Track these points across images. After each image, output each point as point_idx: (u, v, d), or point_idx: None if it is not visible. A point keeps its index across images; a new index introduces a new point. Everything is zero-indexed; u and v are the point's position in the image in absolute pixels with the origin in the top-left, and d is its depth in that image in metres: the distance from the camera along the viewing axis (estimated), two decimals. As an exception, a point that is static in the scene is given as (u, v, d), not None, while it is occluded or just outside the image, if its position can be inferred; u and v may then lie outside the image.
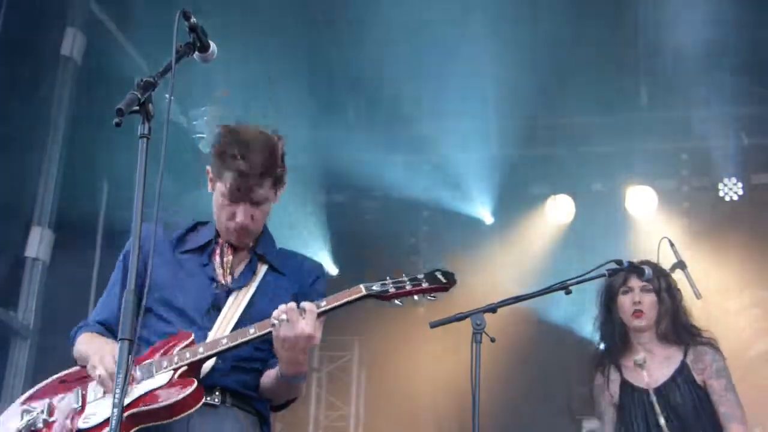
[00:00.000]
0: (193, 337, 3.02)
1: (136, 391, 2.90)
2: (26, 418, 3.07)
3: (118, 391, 2.35)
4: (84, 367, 3.13)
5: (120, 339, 2.40)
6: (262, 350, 3.15)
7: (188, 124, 7.86)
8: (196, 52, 2.85)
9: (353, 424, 9.35)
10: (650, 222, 8.10)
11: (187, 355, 2.96)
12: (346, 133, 8.15)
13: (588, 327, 7.85)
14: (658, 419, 4.32)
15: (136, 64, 6.90)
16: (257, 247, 3.32)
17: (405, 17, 6.89)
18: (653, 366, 4.51)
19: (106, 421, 2.88)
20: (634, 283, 4.60)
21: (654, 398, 4.36)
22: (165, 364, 2.96)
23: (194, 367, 2.97)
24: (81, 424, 2.95)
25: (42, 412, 3.07)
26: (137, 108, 2.52)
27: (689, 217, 8.11)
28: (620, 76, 7.63)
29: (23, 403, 3.17)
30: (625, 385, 4.59)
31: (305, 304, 2.93)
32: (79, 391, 3.07)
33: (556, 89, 7.53)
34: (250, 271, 3.27)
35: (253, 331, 2.96)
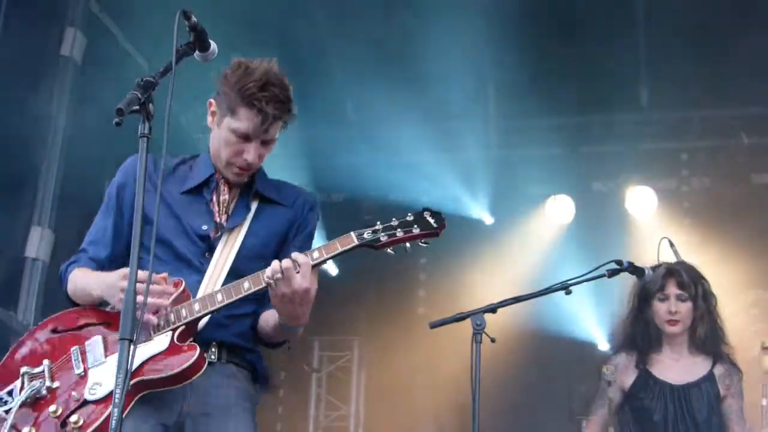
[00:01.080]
0: (184, 285, 2.98)
1: (137, 356, 2.84)
2: (28, 384, 2.98)
3: (118, 391, 2.34)
4: (73, 311, 3.13)
5: (120, 339, 2.39)
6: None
7: (188, 124, 7.87)
8: (197, 52, 2.85)
9: (353, 424, 9.34)
10: (650, 222, 8.10)
11: (184, 313, 2.93)
12: (345, 132, 8.15)
13: (588, 327, 7.91)
14: (689, 414, 4.36)
15: (137, 63, 6.90)
16: (256, 183, 3.29)
17: (405, 16, 6.90)
18: (677, 367, 4.54)
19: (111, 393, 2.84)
20: (671, 290, 4.61)
21: (677, 394, 4.40)
22: (162, 323, 2.93)
23: (191, 325, 2.97)
24: (88, 395, 2.91)
25: (44, 375, 2.98)
26: (137, 108, 2.52)
27: (689, 217, 8.10)
28: (620, 76, 7.63)
29: (21, 361, 3.07)
30: (645, 374, 4.59)
31: (298, 257, 2.90)
32: (78, 351, 3.01)
33: (556, 89, 7.53)
34: (245, 209, 3.25)
35: (247, 286, 2.94)
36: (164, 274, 2.99)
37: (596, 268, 3.95)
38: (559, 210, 8.40)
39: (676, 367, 4.54)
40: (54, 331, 3.13)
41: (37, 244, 6.05)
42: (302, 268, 2.89)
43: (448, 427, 8.35)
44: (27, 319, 5.93)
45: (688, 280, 4.60)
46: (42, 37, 6.26)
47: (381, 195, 8.74)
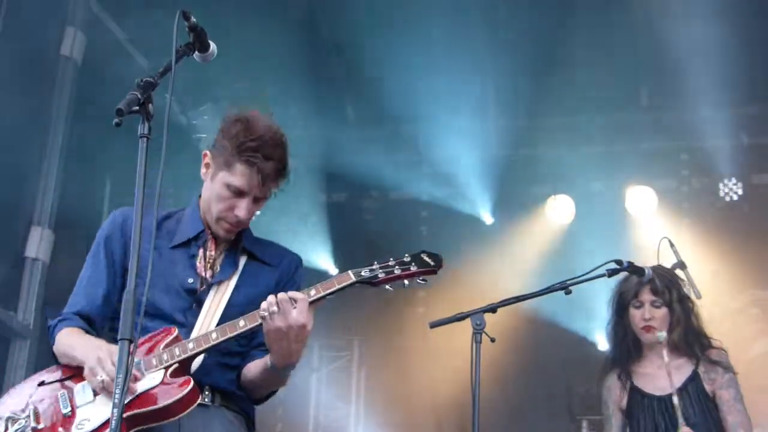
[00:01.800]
0: (177, 332, 2.99)
1: (138, 388, 2.86)
2: (12, 426, 2.95)
3: (118, 391, 2.34)
4: (61, 365, 3.08)
5: (120, 339, 2.39)
6: (242, 345, 3.14)
7: (188, 124, 7.88)
8: (196, 52, 2.85)
9: (353, 424, 9.35)
10: (650, 222, 8.10)
11: (177, 351, 2.92)
12: (345, 132, 8.16)
13: (588, 327, 7.91)
14: (672, 425, 4.34)
15: (137, 64, 6.90)
16: (243, 241, 3.28)
17: (405, 16, 6.90)
18: (661, 376, 4.51)
19: (102, 426, 2.85)
20: (645, 297, 4.57)
21: (666, 405, 4.38)
22: (155, 362, 2.92)
23: (184, 364, 2.95)
24: (75, 430, 2.89)
25: (28, 417, 2.95)
26: (137, 108, 2.52)
27: (689, 217, 8.10)
28: (620, 76, 7.63)
29: (4, 408, 3.03)
30: (634, 391, 4.59)
31: (295, 294, 2.91)
32: (66, 394, 2.99)
33: (556, 89, 7.53)
34: (233, 265, 3.23)
35: (243, 324, 2.93)
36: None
37: (596, 268, 3.94)
38: (559, 210, 8.40)
39: (660, 376, 4.50)
40: (41, 384, 3.09)
41: (37, 244, 6.05)
42: (299, 304, 2.89)
43: (448, 427, 8.35)
44: (27, 319, 5.94)
45: (662, 286, 4.56)
46: (42, 37, 6.26)
47: (382, 195, 8.75)
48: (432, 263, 3.04)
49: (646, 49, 7.41)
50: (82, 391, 2.97)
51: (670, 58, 7.25)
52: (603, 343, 7.63)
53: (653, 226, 7.93)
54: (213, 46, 2.89)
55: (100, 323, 3.17)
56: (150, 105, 2.55)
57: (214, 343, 2.93)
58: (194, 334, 3.05)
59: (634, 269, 4.17)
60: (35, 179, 6.20)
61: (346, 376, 9.46)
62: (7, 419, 2.99)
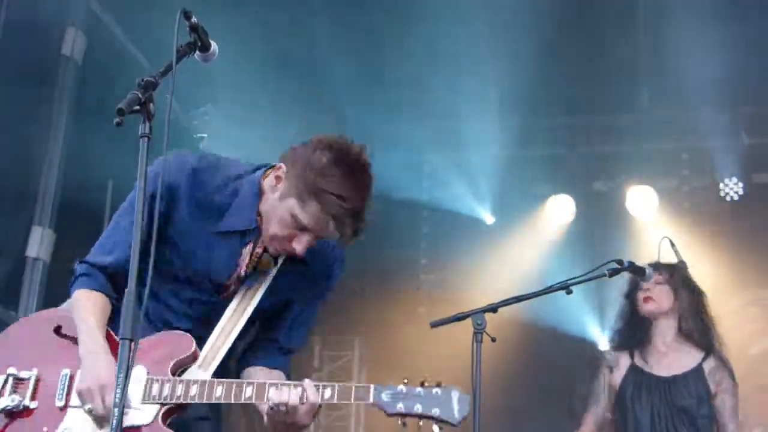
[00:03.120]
0: (194, 348, 2.86)
1: (126, 423, 2.70)
2: (9, 394, 2.87)
3: (118, 391, 2.33)
4: None
5: (120, 339, 2.37)
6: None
7: (188, 124, 7.88)
8: (197, 52, 2.85)
9: (353, 423, 9.35)
10: (651, 222, 8.10)
11: (179, 392, 2.80)
12: (346, 132, 8.14)
13: (588, 327, 7.91)
14: (672, 405, 4.38)
15: (137, 63, 6.90)
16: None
17: (405, 17, 6.89)
18: (665, 360, 4.55)
19: None
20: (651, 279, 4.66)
21: (663, 386, 4.42)
22: (155, 391, 2.81)
23: (181, 406, 2.85)
24: None
25: (26, 388, 2.86)
26: (138, 107, 2.52)
27: (690, 217, 8.10)
28: (621, 76, 7.63)
29: (12, 353, 2.94)
30: (633, 371, 4.62)
31: (309, 393, 2.75)
32: (67, 377, 2.89)
33: (556, 89, 7.53)
34: (270, 265, 3.06)
35: (249, 394, 2.80)
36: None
37: (597, 268, 3.96)
38: (559, 210, 8.40)
39: (665, 360, 4.57)
40: (57, 331, 2.99)
41: (38, 243, 6.04)
42: (307, 406, 2.76)
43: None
44: (28, 318, 5.93)
45: (668, 270, 4.67)
46: (43, 37, 6.25)
47: (383, 195, 8.72)
48: (457, 415, 2.76)
49: (646, 49, 7.42)
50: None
51: (670, 58, 7.25)
52: (603, 343, 7.64)
53: (654, 226, 7.94)
54: (214, 45, 2.89)
55: (121, 279, 2.90)
56: (151, 104, 2.54)
57: (216, 401, 2.83)
58: (216, 332, 2.98)
59: (634, 269, 4.18)
60: (36, 179, 6.19)
61: (347, 376, 9.46)
62: (9, 375, 2.91)
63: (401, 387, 2.77)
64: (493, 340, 3.67)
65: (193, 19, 2.76)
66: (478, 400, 3.60)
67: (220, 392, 2.81)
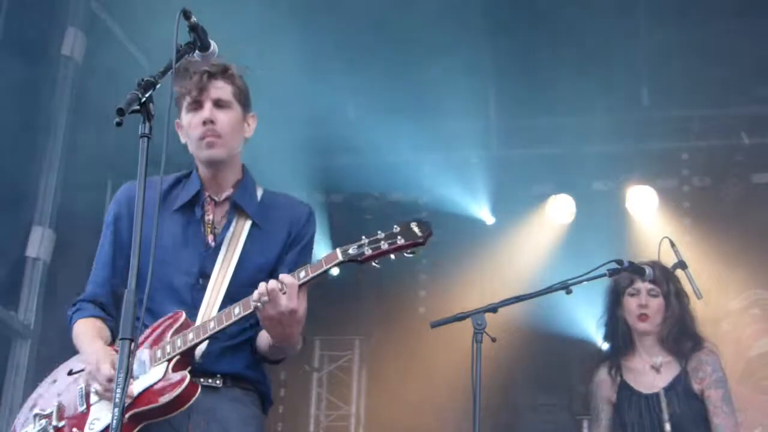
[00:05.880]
0: (184, 317, 3.00)
1: (135, 388, 2.89)
2: (37, 425, 3.06)
3: (118, 390, 2.35)
4: None
5: (121, 339, 2.40)
6: (246, 320, 3.09)
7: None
8: (197, 52, 2.85)
9: (353, 423, 9.35)
10: (651, 222, 8.09)
11: (179, 343, 2.94)
12: (345, 132, 8.15)
13: (588, 327, 7.91)
14: (658, 424, 4.33)
15: (137, 63, 6.90)
16: (235, 194, 3.24)
17: (405, 16, 6.90)
18: (651, 373, 4.50)
19: (108, 427, 2.87)
20: (641, 285, 4.55)
21: (653, 403, 4.37)
22: (159, 354, 2.95)
23: (187, 354, 2.97)
24: (87, 430, 2.95)
25: (51, 416, 3.05)
26: (138, 107, 2.52)
27: (690, 217, 8.10)
28: (621, 76, 7.63)
29: (34, 404, 3.15)
30: (623, 387, 4.58)
31: (285, 278, 2.89)
32: (83, 388, 3.05)
33: (556, 89, 7.52)
34: (229, 224, 3.20)
35: (238, 312, 2.92)
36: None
37: (597, 268, 3.96)
38: (559, 210, 8.40)
39: (650, 373, 4.50)
40: (69, 372, 3.18)
41: (38, 243, 6.05)
42: (289, 290, 2.88)
43: (449, 427, 8.35)
44: (28, 318, 5.94)
45: (661, 276, 4.56)
46: (43, 37, 6.26)
47: (381, 195, 8.74)
48: (419, 234, 2.88)
49: (646, 49, 7.42)
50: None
51: (671, 58, 7.25)
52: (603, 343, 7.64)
53: (654, 226, 7.93)
54: (214, 45, 2.89)
55: (111, 305, 3.21)
56: (151, 104, 2.55)
57: (212, 332, 2.94)
58: (201, 311, 3.07)
59: (634, 269, 4.18)
60: (36, 179, 6.20)
61: (347, 376, 9.47)
62: (34, 416, 3.10)
63: (363, 238, 2.91)
64: (493, 340, 3.68)
65: (193, 19, 2.76)
66: (478, 400, 3.60)
67: (213, 325, 2.94)
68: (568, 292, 3.89)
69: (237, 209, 3.23)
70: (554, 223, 8.41)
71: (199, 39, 2.82)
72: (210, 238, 3.18)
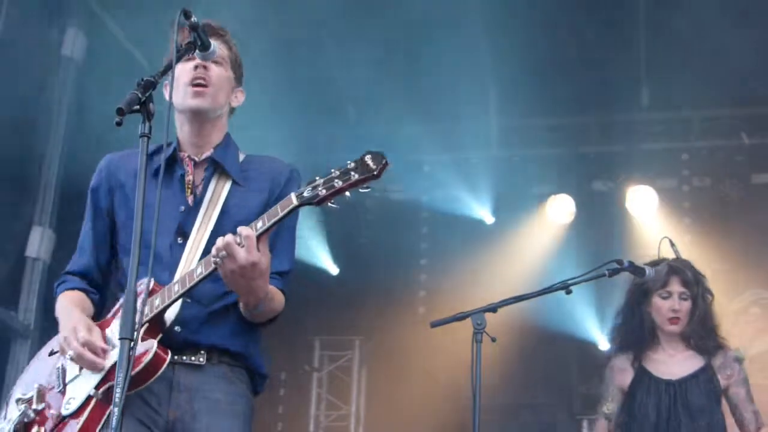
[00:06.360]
0: (152, 282, 2.87)
1: (108, 362, 2.83)
2: (20, 409, 3.00)
3: (118, 390, 2.34)
4: None
5: (120, 339, 2.39)
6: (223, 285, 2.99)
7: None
8: (197, 51, 2.85)
9: (353, 423, 9.34)
10: (651, 222, 8.09)
11: (147, 311, 2.82)
12: (345, 132, 8.16)
13: (588, 327, 7.91)
14: (675, 409, 4.37)
15: (137, 63, 6.90)
16: (215, 153, 3.16)
17: (404, 16, 6.89)
18: (673, 363, 4.54)
19: (84, 403, 2.86)
20: (675, 287, 4.59)
21: (673, 389, 4.41)
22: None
23: (157, 321, 2.87)
24: (63, 410, 2.90)
25: (32, 400, 3.00)
26: (138, 107, 2.52)
27: (690, 217, 8.11)
28: (621, 76, 7.63)
29: (17, 389, 3.11)
30: (641, 373, 4.59)
31: (242, 230, 2.77)
32: (60, 367, 2.99)
33: (556, 89, 7.53)
34: (208, 183, 3.13)
35: (199, 271, 2.82)
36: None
37: (596, 268, 3.97)
38: (559, 210, 8.39)
39: (672, 362, 4.55)
40: (51, 353, 3.11)
41: (38, 243, 6.06)
42: (246, 242, 2.76)
43: (449, 427, 8.35)
44: (28, 318, 5.95)
45: (692, 278, 4.60)
46: (43, 37, 6.27)
47: (382, 195, 8.74)
48: (373, 166, 2.68)
49: (646, 49, 7.42)
50: (71, 363, 2.95)
51: (671, 58, 7.25)
52: (603, 343, 7.64)
53: (654, 226, 7.93)
54: (213, 44, 2.89)
55: (97, 277, 3.21)
56: (151, 104, 2.55)
57: (177, 296, 2.84)
58: (179, 271, 2.98)
59: (634, 269, 4.18)
60: (36, 179, 6.20)
61: (347, 376, 9.47)
62: (16, 400, 3.06)
63: (317, 178, 2.74)
64: (493, 340, 3.68)
65: (193, 19, 2.76)
66: (478, 400, 3.60)
67: (177, 288, 2.85)
68: (568, 292, 3.89)
69: (217, 168, 3.15)
70: (554, 223, 8.40)
71: (199, 39, 2.82)
72: (191, 198, 3.11)
